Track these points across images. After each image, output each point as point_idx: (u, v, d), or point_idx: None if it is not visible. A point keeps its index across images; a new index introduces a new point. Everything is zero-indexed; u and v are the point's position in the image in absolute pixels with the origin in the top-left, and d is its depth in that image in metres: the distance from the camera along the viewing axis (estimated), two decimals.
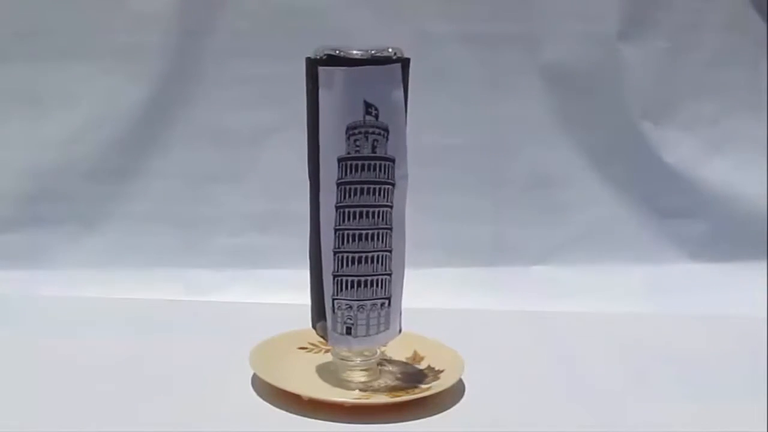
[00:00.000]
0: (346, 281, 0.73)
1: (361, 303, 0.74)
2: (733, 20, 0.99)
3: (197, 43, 0.97)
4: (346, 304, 0.74)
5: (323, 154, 0.72)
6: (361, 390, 0.76)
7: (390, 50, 0.71)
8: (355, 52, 0.70)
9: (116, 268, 0.98)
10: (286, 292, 0.90)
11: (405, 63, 0.71)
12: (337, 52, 0.70)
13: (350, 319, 0.74)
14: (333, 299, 0.74)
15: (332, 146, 0.71)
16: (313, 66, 0.71)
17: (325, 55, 0.71)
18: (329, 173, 0.72)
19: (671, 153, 1.01)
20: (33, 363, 0.81)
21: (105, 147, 0.98)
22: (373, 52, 0.71)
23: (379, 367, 0.79)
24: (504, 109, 0.99)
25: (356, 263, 0.73)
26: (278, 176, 0.99)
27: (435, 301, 0.92)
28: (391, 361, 0.81)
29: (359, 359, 0.77)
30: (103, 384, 0.77)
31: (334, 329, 0.74)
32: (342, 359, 0.77)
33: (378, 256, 0.73)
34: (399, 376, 0.79)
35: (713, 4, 0.99)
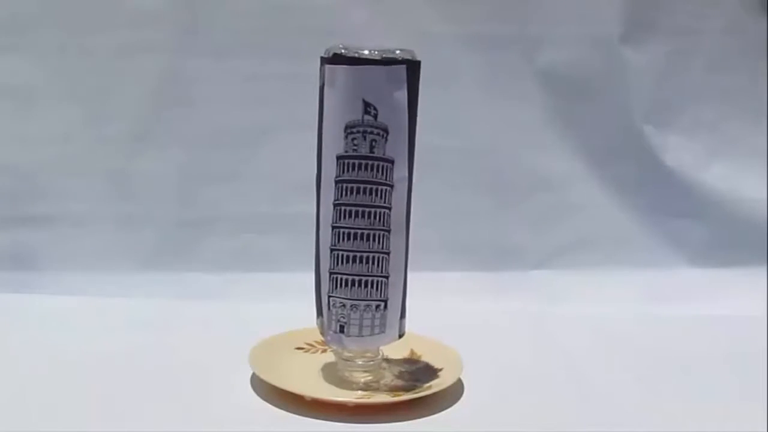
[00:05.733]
0: (341, 279, 0.73)
1: (355, 302, 0.73)
2: (735, 25, 0.98)
3: (194, 40, 0.95)
4: (340, 302, 0.74)
5: (325, 152, 0.72)
6: (362, 389, 0.76)
7: (398, 52, 0.70)
8: (364, 51, 0.70)
9: (109, 270, 0.97)
10: (284, 294, 0.90)
11: (414, 65, 0.71)
12: (344, 50, 0.70)
13: (343, 317, 0.74)
14: (329, 296, 0.74)
15: (332, 144, 0.72)
16: (321, 64, 0.71)
17: (332, 53, 0.71)
18: (329, 170, 0.72)
19: (672, 157, 1.01)
20: (32, 364, 0.80)
21: (98, 145, 0.96)
22: (377, 52, 0.70)
23: (380, 367, 0.79)
24: (504, 111, 0.99)
25: (351, 262, 0.73)
26: (276, 177, 0.98)
27: (433, 304, 0.91)
28: (390, 360, 0.80)
29: (361, 360, 0.77)
30: (103, 384, 0.77)
31: (329, 326, 0.74)
32: (345, 359, 0.77)
33: (374, 257, 0.73)
34: (398, 375, 0.79)
35: (715, 8, 0.98)
